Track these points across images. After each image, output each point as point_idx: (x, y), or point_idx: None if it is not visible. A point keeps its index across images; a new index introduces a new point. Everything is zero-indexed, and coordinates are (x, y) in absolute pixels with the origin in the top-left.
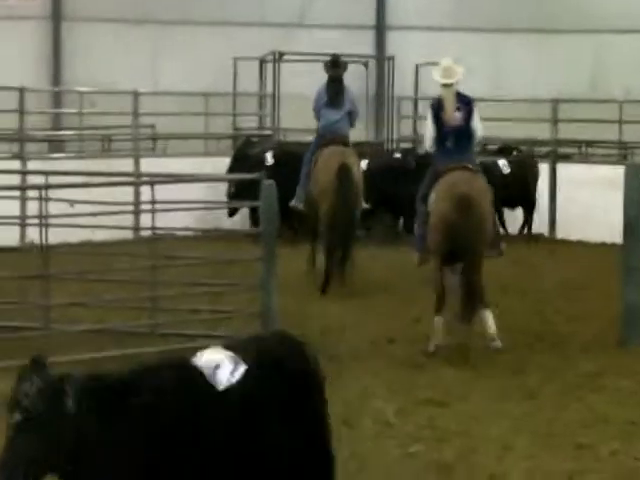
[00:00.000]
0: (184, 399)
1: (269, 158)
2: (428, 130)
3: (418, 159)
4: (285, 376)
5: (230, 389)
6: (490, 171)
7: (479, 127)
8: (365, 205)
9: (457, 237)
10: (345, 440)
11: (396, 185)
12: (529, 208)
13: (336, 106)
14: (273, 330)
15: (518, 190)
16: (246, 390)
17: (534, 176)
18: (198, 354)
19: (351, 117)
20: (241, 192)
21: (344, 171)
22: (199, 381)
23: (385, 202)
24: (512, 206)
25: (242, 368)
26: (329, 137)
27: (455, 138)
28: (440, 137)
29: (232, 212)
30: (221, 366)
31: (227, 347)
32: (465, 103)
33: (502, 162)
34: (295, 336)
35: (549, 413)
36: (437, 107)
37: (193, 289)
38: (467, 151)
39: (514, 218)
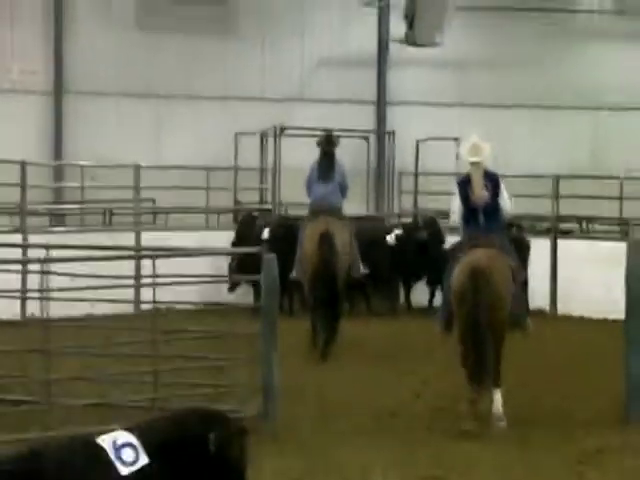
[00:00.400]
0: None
1: (266, 233)
2: (455, 206)
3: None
4: (198, 457)
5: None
6: None
7: (507, 203)
8: (363, 270)
9: (471, 311)
10: None
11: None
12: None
13: (326, 180)
14: (195, 407)
15: None
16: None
17: (523, 251)
18: (104, 437)
19: (341, 189)
20: (243, 267)
21: (325, 238)
22: (103, 462)
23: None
24: None
25: (143, 459)
26: (318, 210)
27: (483, 215)
28: (467, 214)
29: (232, 287)
30: (123, 452)
31: (139, 429)
32: (492, 180)
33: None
34: (217, 412)
35: None
36: (465, 184)
37: (194, 363)
38: (495, 228)
39: None
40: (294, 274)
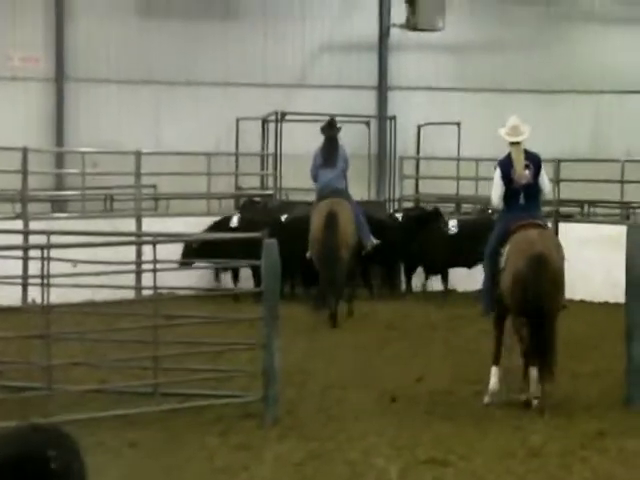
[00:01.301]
0: None
1: (235, 221)
2: (497, 188)
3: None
4: (39, 475)
5: None
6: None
7: (547, 184)
8: (375, 241)
9: (535, 297)
10: None
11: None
12: None
13: (331, 165)
14: (34, 423)
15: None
16: None
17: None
18: None
19: (344, 173)
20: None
21: (330, 217)
22: None
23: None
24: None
25: None
26: (325, 195)
27: (525, 195)
28: (509, 194)
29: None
30: None
31: None
32: (534, 160)
33: (452, 222)
34: (56, 428)
35: (552, 472)
36: (506, 165)
37: (195, 348)
38: (536, 208)
39: None
40: (308, 254)
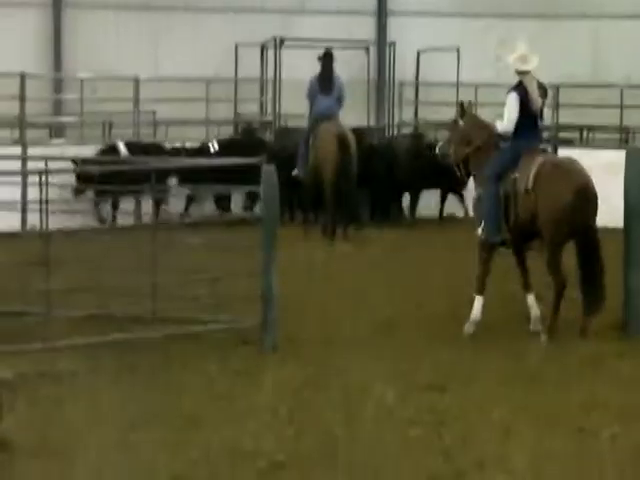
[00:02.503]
0: None
1: (215, 145)
2: (513, 111)
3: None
4: None
5: None
6: None
7: (546, 114)
8: None
9: (582, 223)
10: (345, 425)
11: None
12: None
13: (327, 92)
14: None
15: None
16: None
17: None
18: None
19: (339, 102)
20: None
21: (343, 140)
22: None
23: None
24: None
25: None
26: (322, 119)
27: (533, 121)
28: (525, 120)
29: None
30: None
31: None
32: (543, 89)
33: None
34: None
35: (550, 397)
36: (521, 91)
37: (194, 275)
38: (539, 134)
39: None
40: (298, 173)
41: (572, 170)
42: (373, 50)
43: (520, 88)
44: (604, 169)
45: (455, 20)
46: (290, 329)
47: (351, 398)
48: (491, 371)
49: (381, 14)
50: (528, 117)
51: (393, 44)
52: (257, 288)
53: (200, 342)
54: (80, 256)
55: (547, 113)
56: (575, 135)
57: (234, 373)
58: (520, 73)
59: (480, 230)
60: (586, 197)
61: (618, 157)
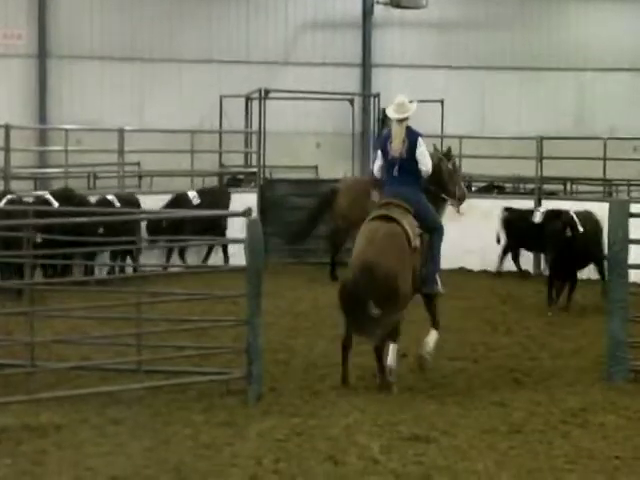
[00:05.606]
0: None
1: (195, 199)
2: (377, 159)
3: None
4: None
5: None
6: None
7: (425, 161)
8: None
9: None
10: (330, 476)
11: None
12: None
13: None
14: None
15: None
16: None
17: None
18: None
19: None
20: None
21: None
22: None
23: None
24: None
25: None
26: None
27: (399, 168)
28: (386, 166)
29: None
30: None
31: None
32: (413, 137)
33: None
34: None
35: (534, 448)
36: (386, 139)
37: (178, 326)
38: (410, 182)
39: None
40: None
41: (361, 246)
42: (358, 101)
43: (384, 137)
44: None
45: (440, 72)
46: (275, 379)
47: (336, 449)
48: (475, 422)
49: (365, 66)
50: (390, 163)
51: (377, 95)
52: (243, 339)
53: (185, 393)
54: (64, 307)
55: (425, 161)
56: (559, 187)
57: (219, 424)
58: (395, 121)
59: None
60: (363, 275)
61: (602, 209)
